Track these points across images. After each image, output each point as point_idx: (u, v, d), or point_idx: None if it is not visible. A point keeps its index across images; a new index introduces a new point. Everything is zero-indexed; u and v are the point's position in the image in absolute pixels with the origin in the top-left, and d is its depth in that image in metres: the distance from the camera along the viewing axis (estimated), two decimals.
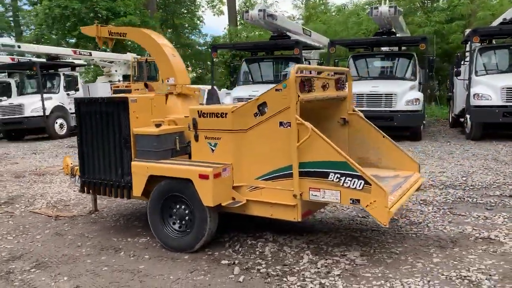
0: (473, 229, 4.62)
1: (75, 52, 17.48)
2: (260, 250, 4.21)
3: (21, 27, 39.10)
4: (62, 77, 16.15)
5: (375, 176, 4.61)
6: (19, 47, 16.36)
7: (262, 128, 4.11)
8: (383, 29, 12.71)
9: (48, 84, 16.51)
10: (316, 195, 3.90)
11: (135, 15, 23.60)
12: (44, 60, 17.18)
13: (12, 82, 17.58)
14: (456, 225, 4.78)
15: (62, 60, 17.23)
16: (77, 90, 16.26)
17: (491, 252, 4.00)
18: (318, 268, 3.75)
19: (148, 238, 4.71)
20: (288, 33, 12.95)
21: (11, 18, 38.93)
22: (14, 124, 15.19)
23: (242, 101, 11.26)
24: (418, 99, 11.36)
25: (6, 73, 18.00)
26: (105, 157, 4.87)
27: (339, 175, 3.77)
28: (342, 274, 3.64)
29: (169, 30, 33.22)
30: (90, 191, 5.07)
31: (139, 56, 18.86)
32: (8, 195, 7.03)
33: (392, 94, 11.30)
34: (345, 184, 3.75)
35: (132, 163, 4.54)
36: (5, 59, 17.62)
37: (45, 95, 15.05)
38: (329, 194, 3.85)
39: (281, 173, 4.06)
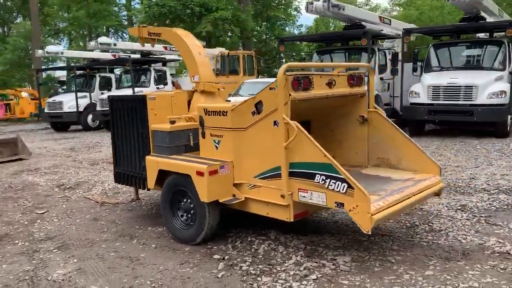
0: (498, 241, 4.15)
1: (165, 48, 18.66)
2: (256, 248, 4.25)
3: (134, 25, 42.65)
4: (152, 72, 17.39)
5: (386, 178, 4.44)
6: (114, 44, 17.98)
7: (259, 127, 4.12)
8: (469, 14, 11.59)
9: (142, 78, 17.88)
10: (304, 196, 3.83)
11: (226, 9, 24.33)
12: (139, 56, 18.65)
13: (112, 77, 19.37)
14: (480, 236, 4.32)
15: (154, 56, 18.51)
16: (165, 84, 17.40)
17: (499, 269, 3.58)
18: (300, 271, 3.69)
19: (165, 228, 4.99)
20: (363, 23, 12.45)
21: (125, 18, 42.66)
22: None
23: None
24: (504, 91, 10.23)
25: (107, 69, 19.83)
26: (131, 150, 5.27)
27: (324, 177, 3.67)
28: (319, 279, 3.54)
29: (264, 23, 33.69)
30: (121, 182, 5.52)
31: (223, 50, 19.51)
32: (76, 181, 7.88)
33: (472, 86, 10.33)
34: (330, 187, 3.63)
35: (146, 157, 4.86)
36: (107, 56, 19.49)
37: (136, 89, 16.31)
38: (316, 196, 3.76)
39: (275, 173, 4.04)
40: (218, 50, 19.57)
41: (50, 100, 18.30)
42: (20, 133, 18.27)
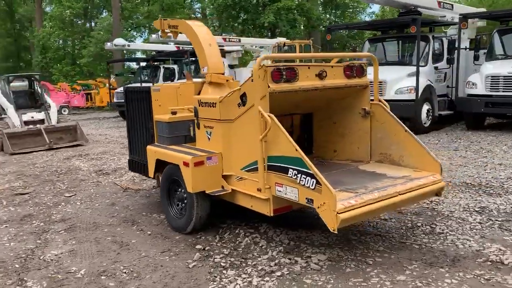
0: (499, 249, 3.75)
1: (224, 39, 18.93)
2: (240, 240, 4.24)
3: (207, 17, 43.73)
4: None
5: (380, 175, 4.22)
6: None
7: (244, 119, 4.08)
8: None
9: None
10: (280, 191, 3.74)
11: None
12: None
13: (175, 68, 20.06)
14: (483, 242, 3.94)
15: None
16: (222, 73, 17.66)
17: (483, 279, 3.25)
18: (270, 266, 3.62)
19: None
20: (419, 9, 11.68)
21: (199, 10, 43.80)
22: None
23: None
24: None
25: (171, 60, 20.54)
26: (140, 139, 5.47)
27: (296, 172, 3.55)
28: (284, 276, 3.46)
29: (333, 11, 32.93)
30: (133, 169, 5.76)
31: (281, 40, 19.37)
32: (115, 167, 8.32)
33: None
34: (301, 182, 3.52)
35: (147, 147, 5.01)
36: (172, 47, 20.22)
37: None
38: (290, 191, 3.65)
39: (257, 166, 3.99)
40: (275, 41, 19.49)
41: (118, 90, 19.39)
42: (93, 121, 19.71)
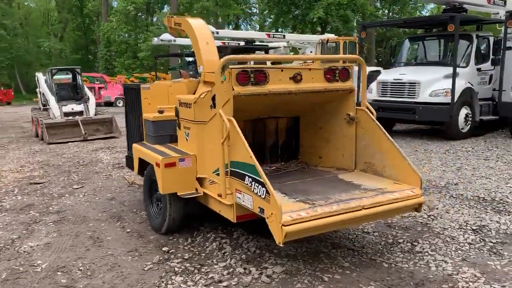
0: (474, 275, 3.40)
1: (268, 35, 18.77)
2: (207, 245, 4.15)
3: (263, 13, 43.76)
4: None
5: (355, 186, 3.99)
6: (217, 33, 18.64)
7: (215, 121, 3.98)
8: None
9: None
10: (239, 198, 3.61)
11: None
12: (241, 44, 19.16)
13: None
14: (460, 266, 3.58)
15: (258, 44, 18.81)
16: None
17: None
18: (222, 275, 3.52)
19: None
20: (465, 6, 10.88)
21: (255, 5, 43.90)
22: None
23: (386, 86, 10.32)
24: None
25: None
26: (134, 137, 5.53)
27: (251, 179, 3.41)
28: (229, 287, 3.33)
29: (392, 7, 31.71)
30: (129, 165, 5.83)
31: (330, 35, 18.86)
32: None
33: None
34: (254, 190, 3.37)
35: (133, 145, 5.04)
36: (217, 43, 20.39)
37: None
38: (246, 199, 3.51)
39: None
40: (321, 37, 19.04)
41: None
42: None
